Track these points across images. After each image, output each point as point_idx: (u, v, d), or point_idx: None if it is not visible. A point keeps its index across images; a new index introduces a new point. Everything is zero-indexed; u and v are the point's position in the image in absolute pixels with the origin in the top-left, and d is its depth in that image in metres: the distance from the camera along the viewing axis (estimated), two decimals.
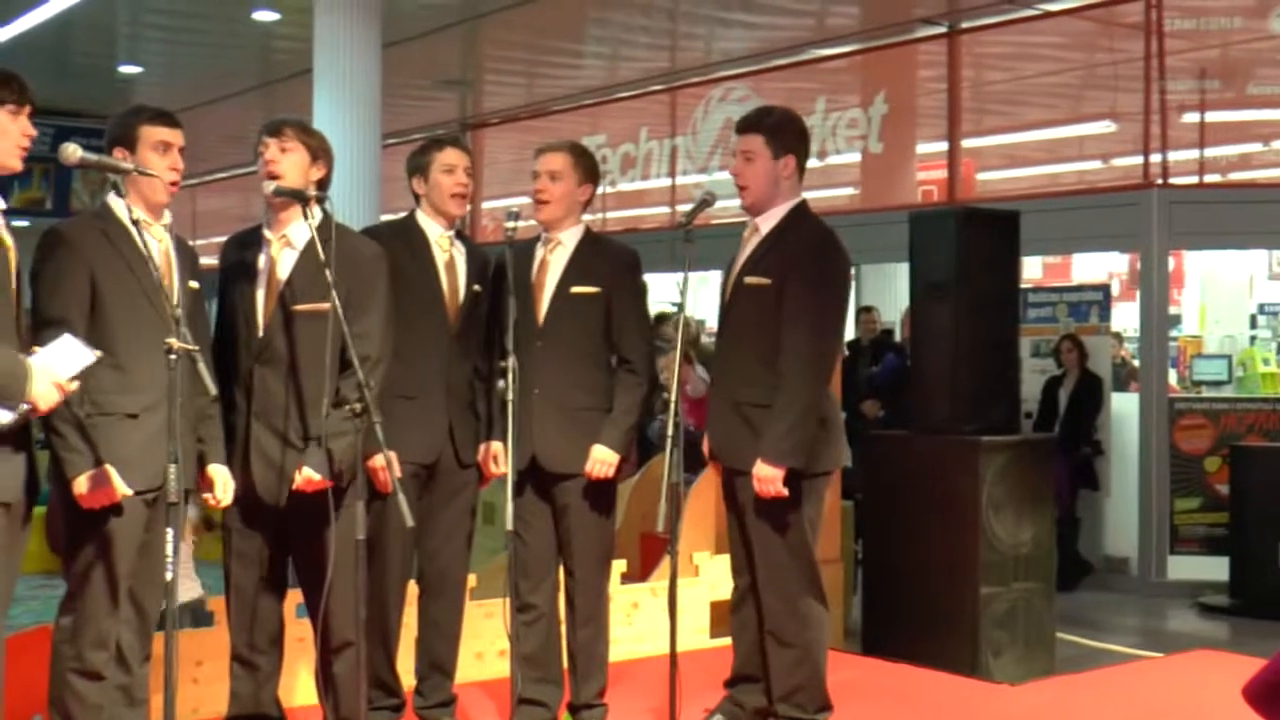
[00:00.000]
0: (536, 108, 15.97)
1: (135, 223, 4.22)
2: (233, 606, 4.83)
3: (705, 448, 5.30)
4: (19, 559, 3.94)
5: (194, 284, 4.49)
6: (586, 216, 5.40)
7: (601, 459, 5.13)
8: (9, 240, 3.86)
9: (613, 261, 5.28)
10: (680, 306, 5.13)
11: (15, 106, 3.90)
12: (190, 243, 4.72)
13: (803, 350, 4.90)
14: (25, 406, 3.78)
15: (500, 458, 5.14)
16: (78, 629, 4.32)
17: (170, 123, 4.49)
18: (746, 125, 5.14)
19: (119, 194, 4.28)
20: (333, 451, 4.52)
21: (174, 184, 4.45)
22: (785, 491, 4.88)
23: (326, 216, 4.60)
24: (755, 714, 5.30)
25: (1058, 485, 8.01)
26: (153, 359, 4.21)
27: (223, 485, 4.58)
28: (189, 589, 6.48)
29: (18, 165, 3.91)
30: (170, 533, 3.98)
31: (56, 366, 3.82)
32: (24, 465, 3.88)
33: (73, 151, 3.98)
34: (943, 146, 12.24)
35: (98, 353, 3.94)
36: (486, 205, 16.93)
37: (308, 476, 4.53)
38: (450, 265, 5.19)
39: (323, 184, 4.77)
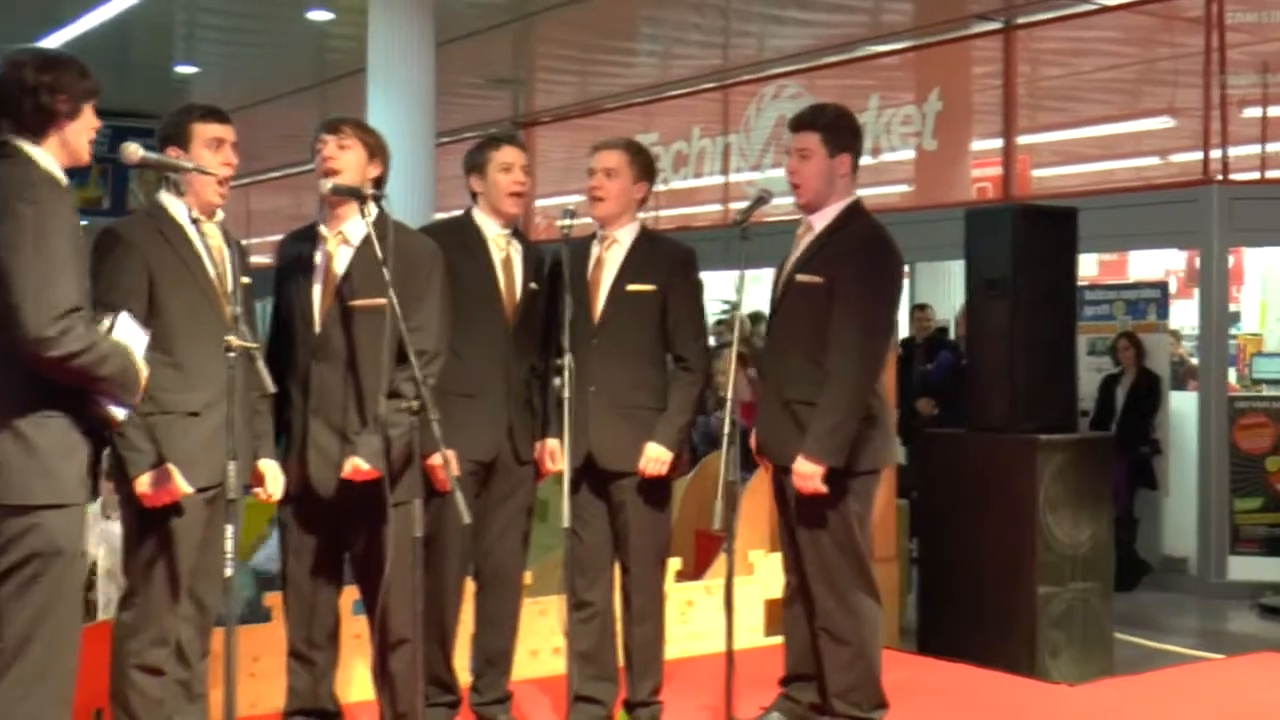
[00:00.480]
0: (588, 106, 16.00)
1: (194, 221, 4.25)
2: (290, 602, 4.86)
3: (753, 444, 5.29)
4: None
5: (245, 279, 4.52)
6: (639, 215, 5.41)
7: (655, 457, 5.14)
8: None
9: (668, 259, 5.29)
10: (735, 305, 5.12)
11: (96, 100, 3.94)
12: (245, 241, 4.75)
13: (851, 349, 4.89)
14: None
15: (557, 455, 5.15)
16: (138, 625, 4.37)
17: (222, 119, 4.54)
18: (801, 123, 5.13)
19: (179, 193, 4.33)
20: (389, 439, 4.55)
21: (226, 180, 4.49)
22: (824, 489, 4.86)
23: (383, 213, 4.61)
24: (811, 709, 5.29)
25: (1115, 484, 7.95)
26: (211, 356, 4.24)
27: (273, 479, 4.62)
28: None
29: (88, 158, 3.94)
30: (229, 529, 4.02)
31: (137, 353, 3.87)
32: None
33: (134, 151, 4.01)
34: (998, 143, 12.18)
35: (148, 331, 3.98)
36: (539, 203, 16.96)
37: (355, 465, 4.56)
38: (507, 263, 5.21)
39: (379, 182, 4.78)
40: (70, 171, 3.93)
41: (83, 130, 3.90)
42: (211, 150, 4.46)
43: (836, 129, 5.09)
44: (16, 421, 3.64)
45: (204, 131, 4.48)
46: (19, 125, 3.81)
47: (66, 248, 3.66)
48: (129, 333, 3.90)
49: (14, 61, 3.83)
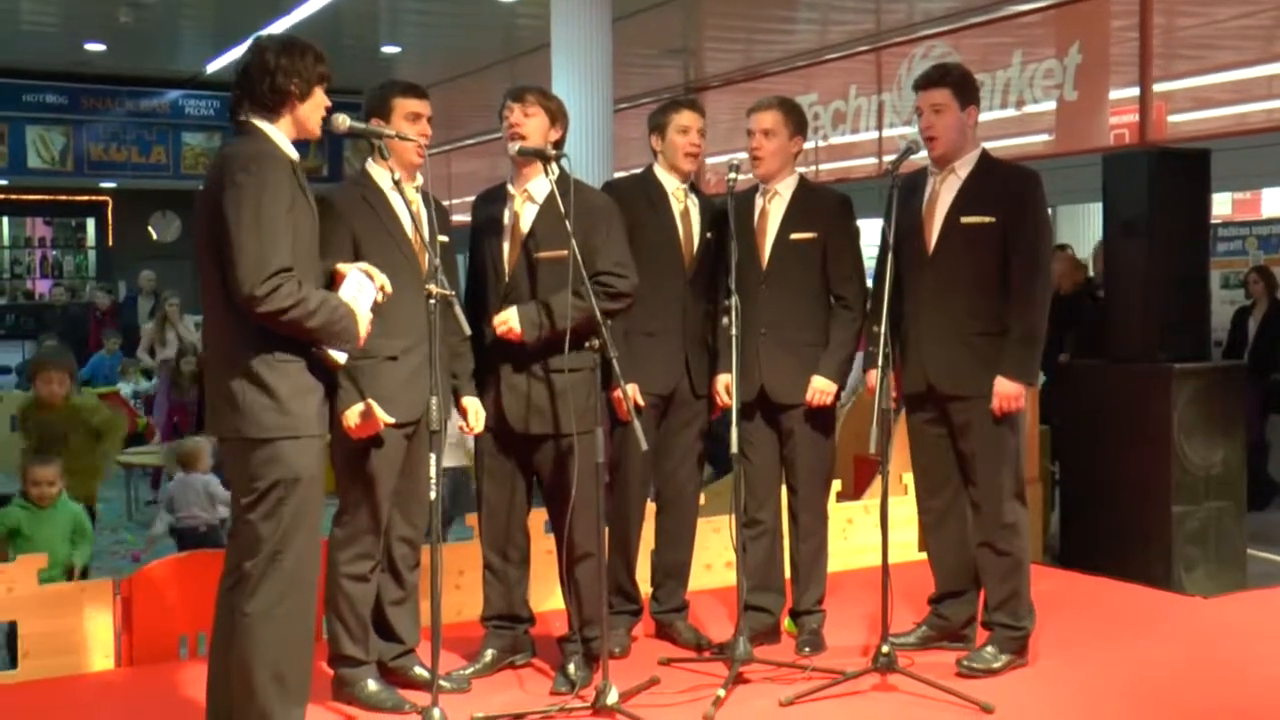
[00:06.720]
0: (753, 70, 15.84)
1: (397, 184, 4.31)
2: (485, 521, 4.94)
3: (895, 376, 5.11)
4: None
5: (444, 238, 4.56)
6: (800, 168, 5.34)
7: (821, 389, 5.12)
8: (313, 202, 3.97)
9: (827, 207, 5.24)
10: (889, 247, 5.03)
11: (327, 83, 3.99)
12: (447, 201, 4.80)
13: (1037, 280, 4.87)
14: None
15: (731, 388, 5.09)
16: (348, 540, 4.50)
17: (420, 95, 4.60)
18: (930, 81, 5.00)
19: (383, 156, 4.37)
20: (551, 308, 4.57)
21: (423, 147, 4.53)
22: (1025, 406, 4.88)
23: (564, 173, 4.63)
24: (963, 625, 5.23)
25: (1247, 410, 7.68)
26: (409, 305, 4.32)
27: (474, 414, 4.69)
28: (457, 457, 6.76)
29: (319, 134, 4.01)
30: (433, 458, 4.08)
31: (362, 304, 3.94)
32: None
33: (342, 121, 4.09)
34: (1135, 91, 11.79)
35: (379, 284, 4.03)
36: (709, 161, 16.85)
37: (503, 319, 4.61)
38: (685, 215, 5.20)
39: (559, 144, 4.80)
40: (296, 143, 4.01)
41: (313, 110, 3.96)
42: (410, 123, 4.52)
43: (964, 84, 5.00)
44: (256, 368, 3.75)
45: (404, 106, 4.55)
46: (257, 104, 3.89)
47: (280, 214, 3.72)
48: (357, 286, 3.96)
49: (258, 46, 3.92)
